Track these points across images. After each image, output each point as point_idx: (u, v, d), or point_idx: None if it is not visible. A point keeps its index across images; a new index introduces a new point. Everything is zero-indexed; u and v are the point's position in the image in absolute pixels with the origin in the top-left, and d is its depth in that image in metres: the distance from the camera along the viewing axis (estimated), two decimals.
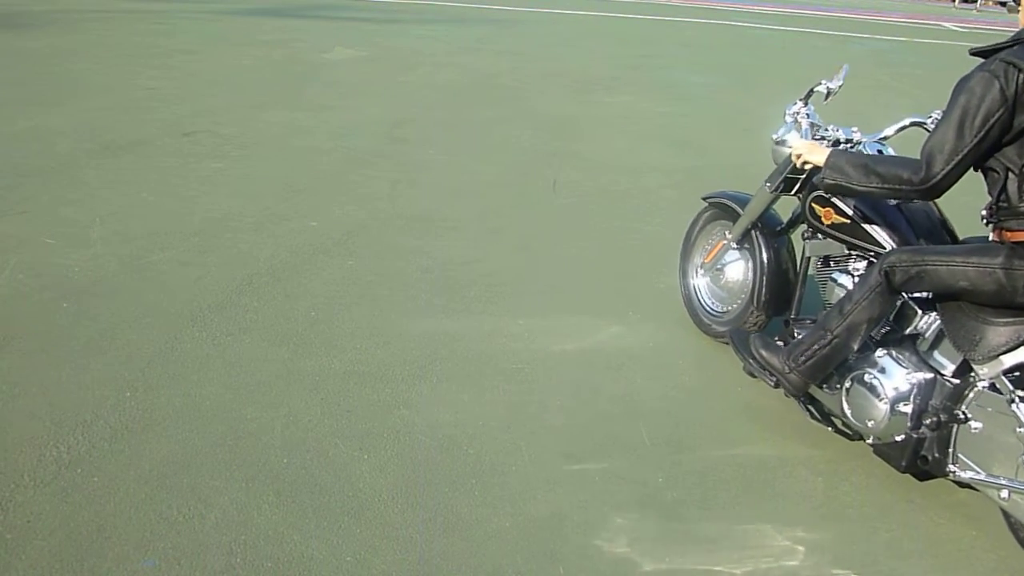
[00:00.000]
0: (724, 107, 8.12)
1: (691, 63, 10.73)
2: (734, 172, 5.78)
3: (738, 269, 3.34)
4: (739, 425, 2.90)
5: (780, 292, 3.13)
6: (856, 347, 2.54)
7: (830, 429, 2.72)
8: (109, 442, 2.59)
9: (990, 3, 24.00)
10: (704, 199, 3.51)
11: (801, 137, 2.87)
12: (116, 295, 3.55)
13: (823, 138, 2.86)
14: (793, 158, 2.71)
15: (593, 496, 2.49)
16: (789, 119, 2.98)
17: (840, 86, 2.93)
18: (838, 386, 2.65)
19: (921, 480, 2.60)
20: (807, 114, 2.94)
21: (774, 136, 3.03)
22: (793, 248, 3.20)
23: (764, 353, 2.79)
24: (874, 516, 2.48)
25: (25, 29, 10.30)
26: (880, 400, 2.47)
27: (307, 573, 2.14)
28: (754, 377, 2.90)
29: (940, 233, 2.68)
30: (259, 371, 3.04)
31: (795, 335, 2.85)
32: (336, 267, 3.96)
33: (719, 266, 3.42)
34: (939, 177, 2.24)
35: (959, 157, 2.21)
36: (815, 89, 2.96)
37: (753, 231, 3.19)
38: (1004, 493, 2.24)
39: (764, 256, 3.12)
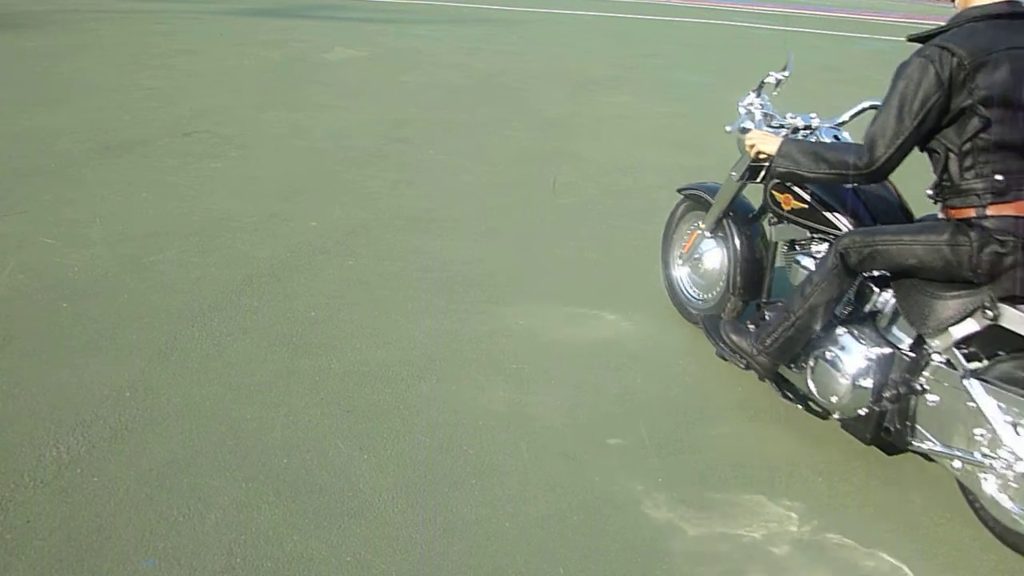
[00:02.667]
0: (724, 107, 8.10)
1: (691, 63, 10.73)
2: None
3: (714, 257, 3.40)
4: (739, 425, 2.90)
5: (753, 277, 3.20)
6: (819, 327, 2.63)
7: (801, 408, 2.80)
8: (109, 442, 2.59)
9: None
10: (679, 191, 3.60)
11: (755, 127, 2.96)
12: (116, 295, 3.55)
13: (781, 125, 2.95)
14: (747, 148, 2.82)
15: (593, 496, 2.49)
16: (743, 111, 3.09)
17: (788, 75, 3.01)
18: (804, 365, 2.73)
19: (888, 453, 2.68)
20: (760, 105, 3.05)
21: (728, 128, 3.14)
22: (765, 234, 3.25)
23: (734, 337, 2.91)
24: (874, 516, 2.48)
25: (25, 29, 10.30)
26: (843, 376, 2.56)
27: (307, 573, 2.14)
28: (725, 360, 2.96)
29: (896, 213, 2.74)
30: (259, 371, 3.05)
31: (766, 318, 2.90)
32: (336, 267, 3.97)
33: (696, 255, 3.49)
34: (882, 161, 2.33)
35: (900, 141, 2.30)
36: (765, 81, 3.05)
37: (725, 220, 3.28)
38: (957, 464, 2.35)
39: (737, 243, 3.21)
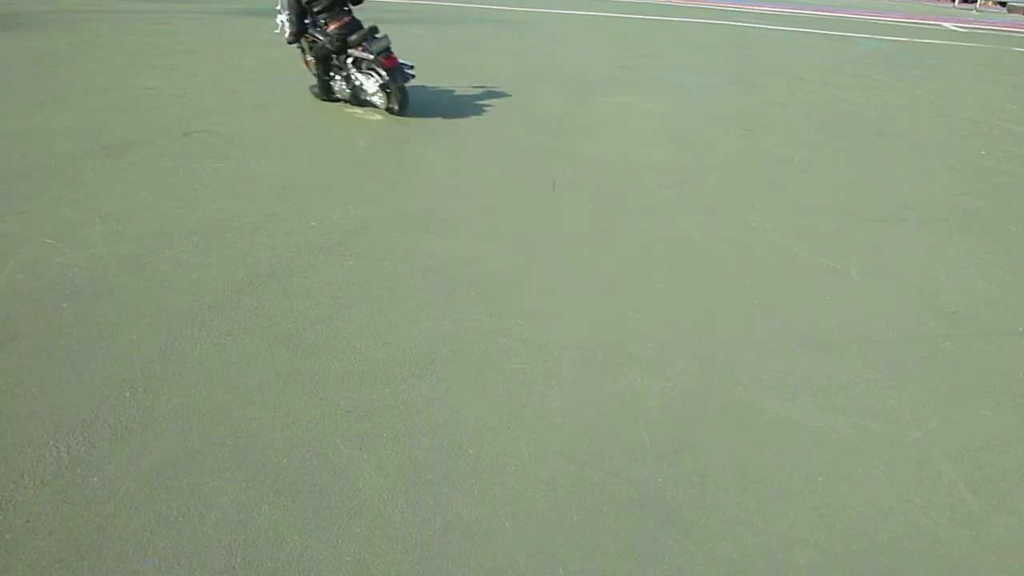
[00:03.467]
0: (723, 107, 8.12)
1: (690, 63, 10.74)
2: (733, 172, 5.79)
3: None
4: (738, 423, 2.91)
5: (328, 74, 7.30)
6: (327, 78, 7.00)
7: (347, 102, 7.10)
8: (109, 442, 2.59)
9: (989, 3, 24.01)
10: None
11: (286, 21, 7.00)
12: (116, 295, 3.55)
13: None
14: (285, 34, 6.96)
15: (593, 495, 2.50)
16: (282, 14, 7.02)
17: (281, 4, 6.91)
18: (336, 90, 7.07)
19: (361, 107, 7.04)
20: (288, 14, 6.79)
21: (277, 26, 7.14)
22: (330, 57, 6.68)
23: (313, 88, 7.22)
24: (874, 516, 2.49)
25: (25, 29, 10.30)
26: (338, 85, 7.00)
27: (307, 573, 2.14)
28: (318, 98, 7.13)
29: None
30: (259, 371, 3.05)
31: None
32: (336, 267, 3.97)
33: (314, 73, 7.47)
34: (295, 20, 6.77)
35: (297, 11, 6.72)
36: (285, 6, 6.90)
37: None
38: (363, 96, 6.99)
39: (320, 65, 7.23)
